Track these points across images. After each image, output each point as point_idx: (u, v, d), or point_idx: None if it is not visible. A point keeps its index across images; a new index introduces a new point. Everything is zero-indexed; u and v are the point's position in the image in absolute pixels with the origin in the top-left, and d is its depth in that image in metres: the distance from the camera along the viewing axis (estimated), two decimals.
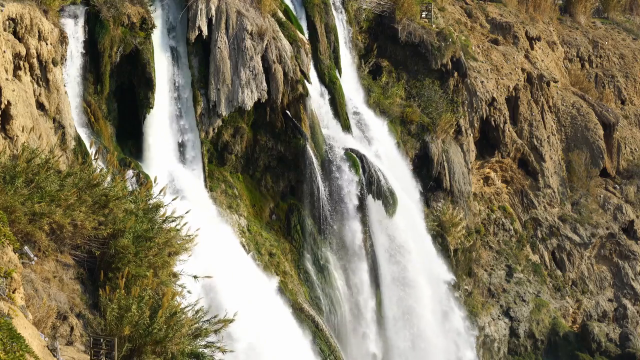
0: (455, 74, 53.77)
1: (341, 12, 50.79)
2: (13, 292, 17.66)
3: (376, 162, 46.15)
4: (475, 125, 56.08)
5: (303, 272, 43.28)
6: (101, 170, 24.51)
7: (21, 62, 30.67)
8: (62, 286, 21.60)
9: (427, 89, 52.50)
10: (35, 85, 31.70)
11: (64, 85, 33.81)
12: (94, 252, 22.81)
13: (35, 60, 31.54)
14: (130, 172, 34.36)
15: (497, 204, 58.41)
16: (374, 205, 45.32)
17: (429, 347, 47.81)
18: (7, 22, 30.19)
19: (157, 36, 39.51)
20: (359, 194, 44.38)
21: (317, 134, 44.09)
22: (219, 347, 22.17)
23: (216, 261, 33.80)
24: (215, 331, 22.21)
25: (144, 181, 34.78)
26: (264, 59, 41.81)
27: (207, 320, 22.15)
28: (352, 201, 44.35)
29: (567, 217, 60.32)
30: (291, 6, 46.59)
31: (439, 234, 50.52)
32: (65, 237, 22.17)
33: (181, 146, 40.37)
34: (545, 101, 61.72)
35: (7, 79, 28.75)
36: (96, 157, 26.58)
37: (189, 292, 24.31)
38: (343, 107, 47.01)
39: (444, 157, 51.65)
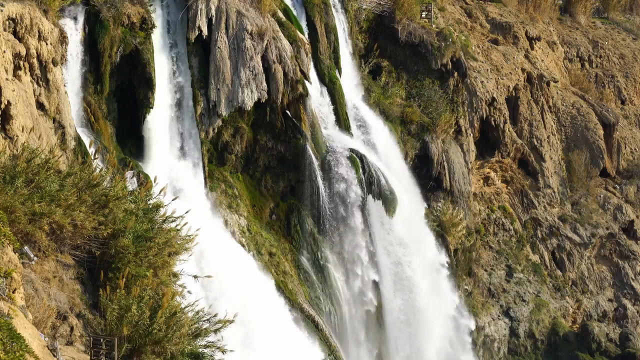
0: (455, 74, 53.75)
1: (341, 12, 50.78)
2: (13, 292, 17.66)
3: (376, 162, 46.15)
4: (475, 125, 56.07)
5: (303, 272, 43.27)
6: (101, 170, 24.51)
7: (21, 62, 30.66)
8: (62, 286, 21.60)
9: (427, 89, 52.48)
10: (35, 85, 31.70)
11: (64, 85, 33.81)
12: (94, 252, 22.82)
13: (35, 60, 31.52)
14: (130, 172, 34.36)
15: (497, 204, 58.40)
16: (374, 205, 45.31)
17: (428, 345, 47.84)
18: (7, 22, 30.18)
19: (157, 36, 39.51)
20: (359, 194, 44.37)
21: (317, 134, 44.09)
22: (219, 347, 22.18)
23: (215, 261, 33.82)
24: (215, 331, 22.22)
25: (144, 181, 34.79)
26: (264, 59, 41.81)
27: (207, 320, 22.16)
28: (352, 201, 44.35)
29: (567, 217, 60.32)
30: (291, 6, 46.60)
31: (439, 234, 50.52)
32: (65, 237, 22.18)
33: (181, 146, 40.37)
34: (545, 101, 61.71)
35: (7, 79, 28.75)
36: (96, 157, 26.58)
37: (189, 292, 24.31)
38: (343, 107, 47.02)
39: (444, 157, 51.64)
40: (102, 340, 19.81)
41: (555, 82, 64.04)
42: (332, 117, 46.55)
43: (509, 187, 59.49)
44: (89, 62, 36.84)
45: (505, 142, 57.88)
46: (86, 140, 34.21)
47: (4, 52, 28.97)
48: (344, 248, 44.80)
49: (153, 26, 38.76)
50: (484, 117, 56.42)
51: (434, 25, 55.12)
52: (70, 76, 35.55)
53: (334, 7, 49.45)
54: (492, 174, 58.54)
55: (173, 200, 26.42)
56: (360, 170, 44.64)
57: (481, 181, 58.00)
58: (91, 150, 28.77)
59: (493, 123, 57.14)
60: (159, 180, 30.99)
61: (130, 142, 38.82)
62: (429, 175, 51.27)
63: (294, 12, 46.48)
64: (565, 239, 59.46)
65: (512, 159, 58.91)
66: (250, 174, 43.58)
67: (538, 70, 61.79)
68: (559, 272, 58.89)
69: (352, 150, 45.14)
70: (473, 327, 51.23)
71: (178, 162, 39.94)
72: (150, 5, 39.24)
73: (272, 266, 41.48)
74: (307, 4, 47.25)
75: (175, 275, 24.33)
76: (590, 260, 60.45)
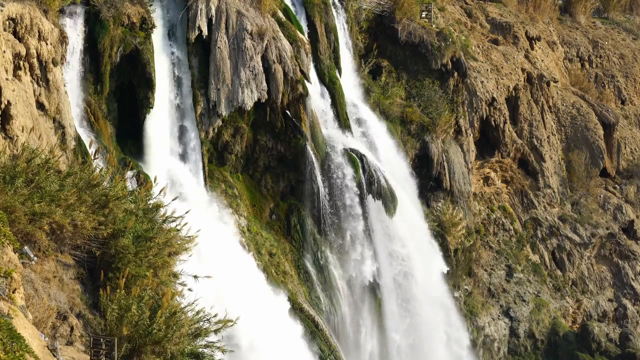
0: (455, 74, 53.75)
1: (341, 12, 50.78)
2: (13, 292, 17.67)
3: (376, 162, 46.14)
4: (475, 125, 56.07)
5: (303, 272, 43.27)
6: (101, 170, 24.51)
7: (21, 62, 30.67)
8: (62, 286, 21.61)
9: (427, 89, 52.48)
10: (35, 85, 31.70)
11: (64, 85, 33.81)
12: (94, 252, 22.83)
13: (35, 60, 31.53)
14: (130, 172, 34.35)
15: (497, 204, 58.41)
16: (374, 205, 45.31)
17: (428, 345, 47.83)
18: (7, 22, 30.18)
19: (157, 36, 39.50)
20: (358, 194, 44.37)
21: (317, 134, 44.09)
22: (219, 347, 22.18)
23: (216, 261, 33.81)
24: (215, 331, 22.22)
25: (144, 181, 34.79)
26: (264, 59, 41.82)
27: (207, 320, 22.16)
28: (352, 201, 44.34)
29: (567, 217, 60.32)
30: (291, 6, 46.60)
31: (439, 234, 50.52)
32: (65, 237, 22.18)
33: (181, 146, 40.36)
34: (545, 101, 61.71)
35: (7, 79, 28.76)
36: (96, 157, 26.58)
37: (189, 289, 24.30)
38: (343, 107, 47.01)
39: (444, 157, 51.64)
40: (102, 340, 19.82)
41: (555, 82, 64.04)
42: (332, 117, 46.55)
43: (509, 187, 59.50)
44: (89, 62, 36.84)
45: (505, 142, 57.89)
46: (86, 140, 34.20)
47: (4, 52, 28.98)
48: (344, 248, 44.80)
49: (153, 26, 38.76)
50: (484, 117, 56.43)
51: (434, 25, 55.12)
52: (70, 76, 35.54)
53: (334, 7, 49.45)
54: (492, 174, 58.55)
55: (173, 200, 26.42)
56: (360, 170, 44.64)
57: (481, 181, 58.01)
58: (91, 150, 28.76)
59: (493, 123, 57.15)
60: (159, 180, 30.98)
61: (130, 142, 38.82)
62: (429, 175, 51.28)
63: (294, 12, 46.47)
64: (565, 239, 59.47)
65: (512, 159, 58.92)
66: (250, 174, 43.58)
67: (538, 70, 61.79)
68: (559, 272, 58.90)
69: (352, 150, 45.14)
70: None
71: (178, 162, 39.94)
72: (150, 5, 39.24)
73: (272, 266, 41.48)
74: (307, 4, 47.24)
75: (175, 275, 24.33)
76: (590, 260, 60.45)
